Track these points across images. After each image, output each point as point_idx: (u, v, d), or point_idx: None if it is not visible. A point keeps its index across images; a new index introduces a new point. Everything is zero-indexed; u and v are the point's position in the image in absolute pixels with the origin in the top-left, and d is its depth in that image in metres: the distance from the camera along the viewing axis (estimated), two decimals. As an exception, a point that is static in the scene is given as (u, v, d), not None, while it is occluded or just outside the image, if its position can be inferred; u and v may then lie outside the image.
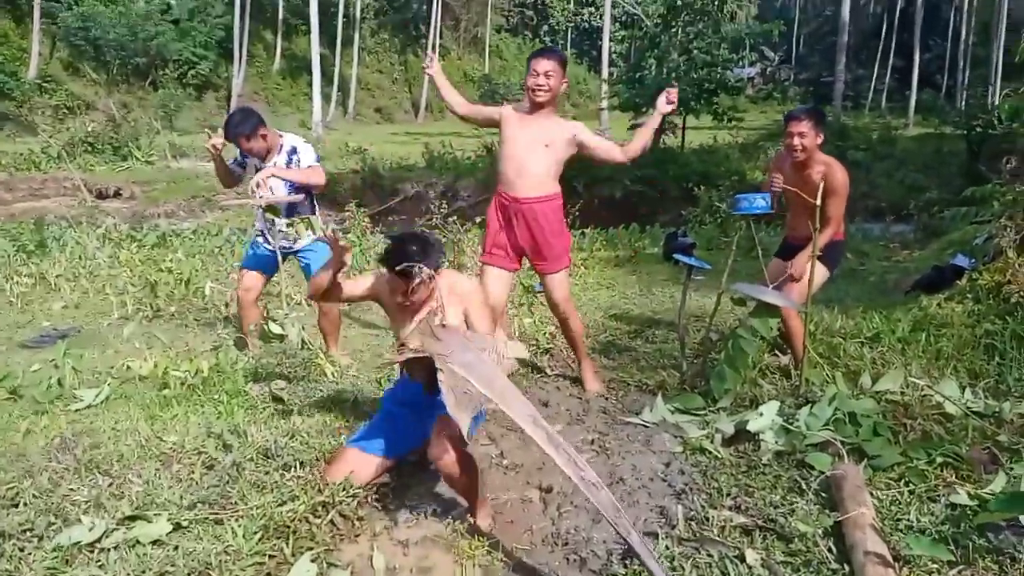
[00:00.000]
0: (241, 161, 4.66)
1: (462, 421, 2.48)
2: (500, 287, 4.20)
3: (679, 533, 2.77)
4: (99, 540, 2.61)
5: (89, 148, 20.55)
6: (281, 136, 4.60)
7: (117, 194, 18.15)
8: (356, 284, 3.26)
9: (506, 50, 53.76)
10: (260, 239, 4.71)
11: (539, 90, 3.98)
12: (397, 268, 2.88)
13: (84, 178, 17.44)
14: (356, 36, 41.16)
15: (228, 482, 3.03)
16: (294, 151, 4.57)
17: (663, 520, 2.92)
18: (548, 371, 4.75)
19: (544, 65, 3.96)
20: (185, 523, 2.72)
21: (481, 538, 2.79)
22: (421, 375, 2.78)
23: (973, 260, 5.24)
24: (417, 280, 2.91)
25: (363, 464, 3.09)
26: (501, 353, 2.77)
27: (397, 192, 18.85)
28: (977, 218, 6.85)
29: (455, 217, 8.47)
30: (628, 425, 3.85)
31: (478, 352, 2.65)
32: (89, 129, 21.33)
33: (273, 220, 4.47)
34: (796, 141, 4.16)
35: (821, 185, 3.88)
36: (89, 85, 30.74)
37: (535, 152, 4.00)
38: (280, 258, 4.52)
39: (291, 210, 4.52)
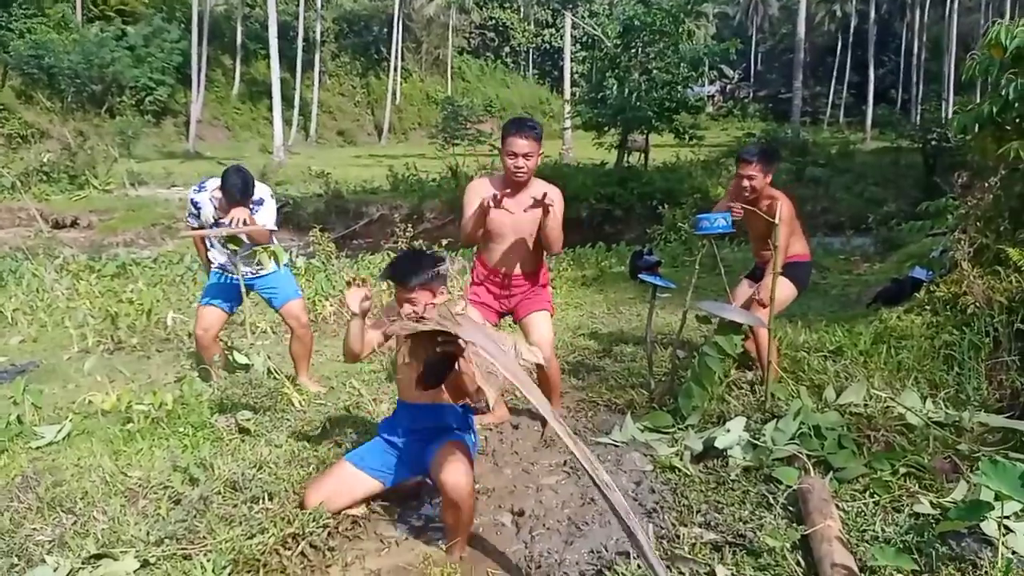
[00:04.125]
0: (196, 214, 4.62)
1: (490, 392, 2.48)
2: None
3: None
4: (64, 580, 2.58)
5: (44, 177, 20.22)
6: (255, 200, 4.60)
7: (74, 224, 17.88)
8: (375, 334, 3.16)
9: (468, 71, 54.13)
10: (221, 270, 4.69)
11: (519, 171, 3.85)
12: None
13: (40, 208, 17.15)
14: (317, 59, 41.20)
15: (195, 516, 3.00)
16: (261, 202, 4.56)
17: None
18: (517, 392, 4.77)
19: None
20: (152, 560, 2.69)
21: (454, 565, 2.80)
22: (419, 359, 2.72)
23: (930, 272, 5.38)
24: (417, 283, 2.89)
25: (356, 481, 3.09)
26: (519, 352, 2.70)
27: (362, 215, 18.84)
28: (932, 231, 7.05)
29: (421, 240, 8.51)
30: (598, 445, 3.89)
31: (499, 345, 2.62)
32: (44, 158, 21.01)
33: (235, 251, 4.45)
34: (746, 183, 4.35)
35: (777, 214, 3.97)
36: (43, 113, 30.33)
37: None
38: (244, 288, 4.51)
39: (252, 240, 4.52)
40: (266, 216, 4.55)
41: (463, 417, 3.16)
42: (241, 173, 4.38)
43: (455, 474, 2.77)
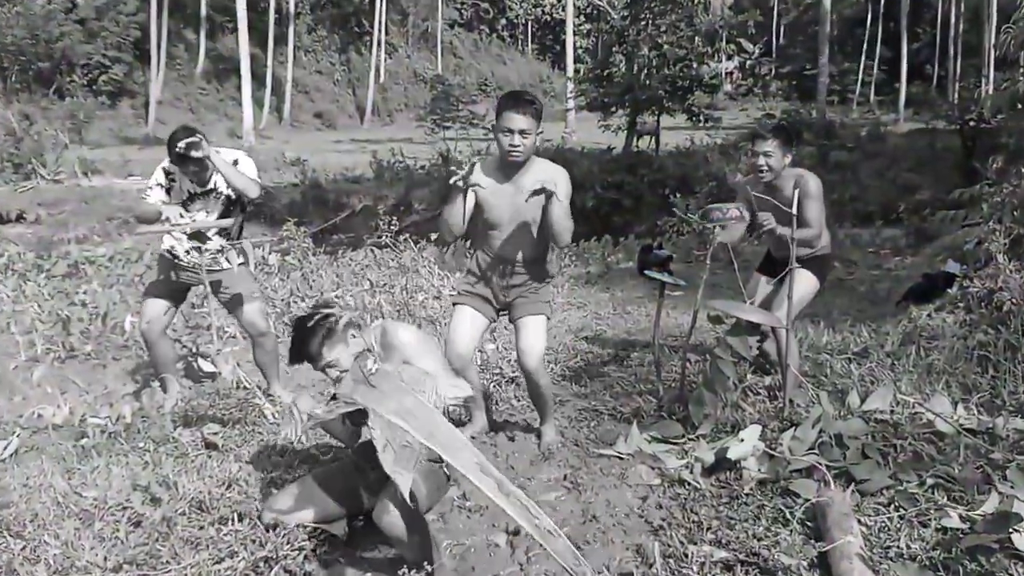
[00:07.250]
0: (167, 187, 4.65)
1: (402, 480, 2.52)
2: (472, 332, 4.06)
3: (656, 572, 2.86)
4: (14, 609, 2.62)
5: (-15, 167, 20.21)
6: (219, 152, 4.66)
7: (20, 218, 17.82)
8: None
9: (460, 47, 54.07)
10: (169, 255, 4.75)
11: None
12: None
13: (-19, 201, 17.17)
14: (291, 33, 41.11)
15: (158, 539, 3.04)
16: (235, 163, 4.63)
17: (639, 559, 3.01)
18: (514, 402, 4.83)
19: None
20: (111, 586, 2.74)
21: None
22: (361, 420, 2.81)
23: (964, 266, 5.45)
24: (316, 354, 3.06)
25: (317, 501, 3.15)
26: (442, 394, 2.84)
27: (342, 207, 18.83)
28: (967, 221, 7.11)
29: (408, 234, 8.50)
30: (601, 458, 3.94)
31: (417, 397, 2.70)
32: (-14, 147, 21.00)
33: (199, 247, 4.49)
34: (762, 161, 4.38)
35: (796, 195, 4.05)
36: (-16, 95, 30.28)
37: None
38: (208, 286, 4.55)
39: (220, 235, 4.57)
40: (246, 167, 4.66)
41: None
42: (185, 128, 4.52)
43: (388, 515, 2.80)
